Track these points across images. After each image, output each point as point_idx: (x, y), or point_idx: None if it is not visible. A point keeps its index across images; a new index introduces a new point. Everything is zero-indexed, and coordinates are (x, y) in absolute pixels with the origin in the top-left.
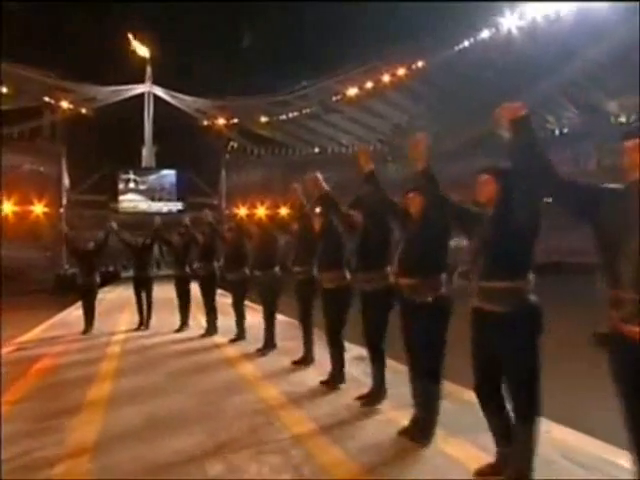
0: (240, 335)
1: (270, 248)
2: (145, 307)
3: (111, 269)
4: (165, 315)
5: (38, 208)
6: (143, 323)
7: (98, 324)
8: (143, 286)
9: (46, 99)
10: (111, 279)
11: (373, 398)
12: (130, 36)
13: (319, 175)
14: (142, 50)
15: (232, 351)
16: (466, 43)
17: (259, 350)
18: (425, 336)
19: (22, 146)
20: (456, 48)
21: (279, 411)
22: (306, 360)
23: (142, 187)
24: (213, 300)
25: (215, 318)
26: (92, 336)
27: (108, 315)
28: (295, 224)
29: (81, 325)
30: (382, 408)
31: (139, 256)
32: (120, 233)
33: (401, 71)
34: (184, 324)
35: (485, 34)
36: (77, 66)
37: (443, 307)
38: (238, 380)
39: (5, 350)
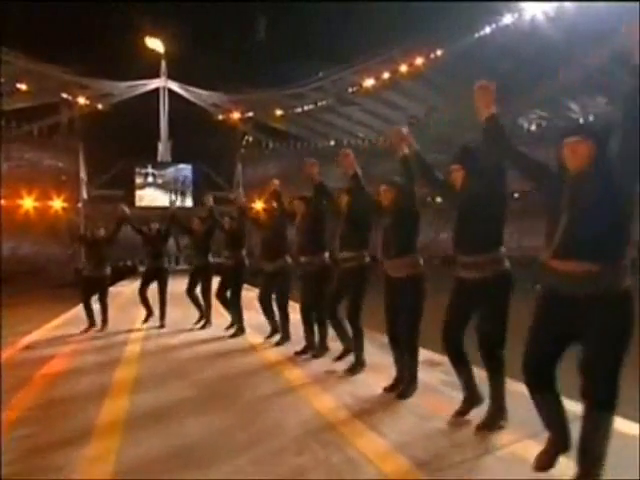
0: (285, 337)
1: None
2: (158, 302)
3: (128, 263)
4: (185, 310)
5: (57, 203)
6: (150, 315)
7: (114, 320)
8: (156, 277)
9: (64, 95)
10: (128, 273)
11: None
12: (145, 31)
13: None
14: (157, 45)
15: (273, 354)
16: (487, 29)
17: (313, 355)
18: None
19: (41, 142)
20: (476, 35)
21: (345, 430)
22: (359, 364)
23: (160, 181)
24: (240, 294)
25: (242, 314)
26: (107, 334)
27: (124, 311)
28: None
29: (99, 321)
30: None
31: (153, 245)
32: (132, 219)
33: (419, 60)
34: (207, 320)
35: (508, 19)
36: (93, 62)
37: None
38: (288, 391)
39: (12, 350)
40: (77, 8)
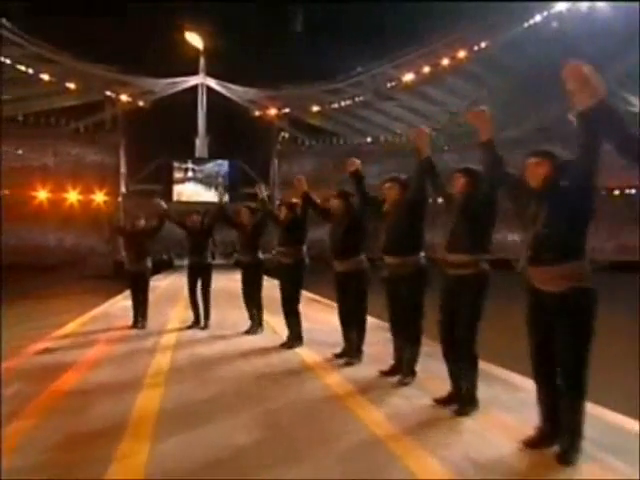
0: (357, 356)
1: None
2: (201, 302)
3: (165, 257)
4: (226, 312)
5: (99, 197)
6: (199, 321)
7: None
8: (199, 275)
9: (108, 93)
10: (164, 267)
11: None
12: (184, 28)
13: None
14: (196, 41)
15: (341, 377)
16: (537, 18)
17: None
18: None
19: (86, 139)
20: (525, 24)
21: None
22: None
23: (199, 176)
24: (299, 299)
25: (300, 322)
26: (135, 337)
27: (158, 308)
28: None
29: (127, 318)
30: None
31: (196, 239)
32: (171, 213)
33: (462, 54)
34: (258, 324)
35: (562, 6)
36: (135, 60)
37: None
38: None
39: (31, 350)
40: (119, 7)
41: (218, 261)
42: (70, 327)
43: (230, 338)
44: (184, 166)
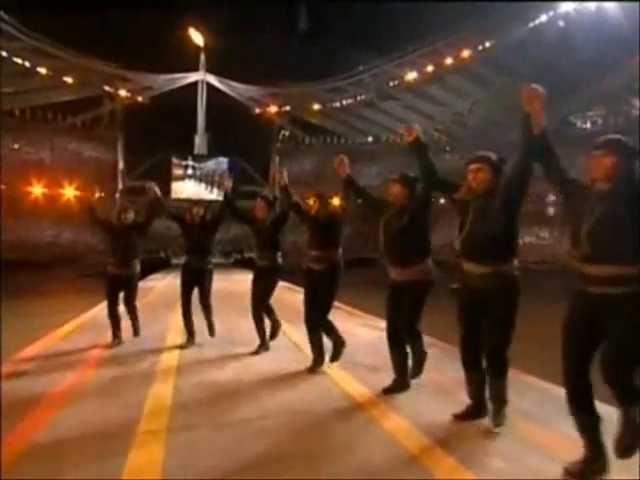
0: (404, 384)
1: None
2: (202, 313)
3: (161, 255)
4: (233, 321)
5: (96, 192)
6: (193, 337)
7: (142, 329)
8: (198, 281)
9: (106, 88)
10: (161, 266)
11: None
12: (185, 24)
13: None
14: (197, 38)
15: (405, 422)
16: (543, 18)
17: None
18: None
19: (84, 134)
20: (531, 24)
21: None
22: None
23: (199, 173)
24: (329, 311)
25: (321, 342)
26: (127, 356)
27: (154, 314)
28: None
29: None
30: None
31: (196, 237)
32: (165, 202)
33: (466, 53)
34: (274, 331)
35: (568, 6)
36: (134, 55)
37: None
38: None
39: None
40: (119, 2)
41: (217, 260)
42: (51, 339)
43: (244, 358)
44: (183, 163)
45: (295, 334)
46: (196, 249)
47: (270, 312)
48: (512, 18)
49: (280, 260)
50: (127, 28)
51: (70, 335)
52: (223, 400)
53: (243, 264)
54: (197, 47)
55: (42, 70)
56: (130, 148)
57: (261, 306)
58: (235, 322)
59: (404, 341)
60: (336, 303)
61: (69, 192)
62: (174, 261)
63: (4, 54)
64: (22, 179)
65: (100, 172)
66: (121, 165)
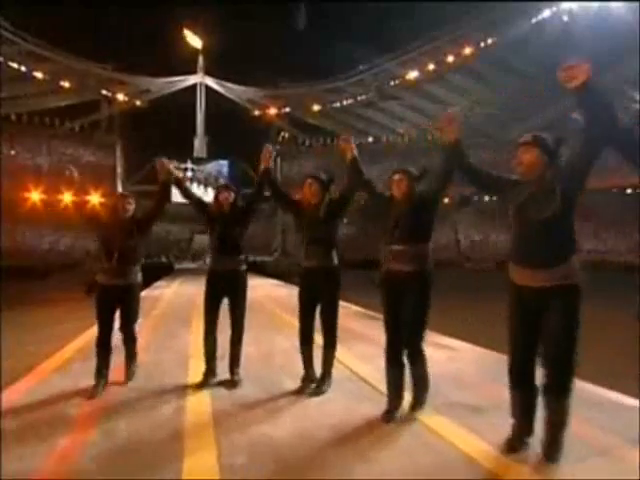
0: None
1: None
2: (231, 334)
3: (163, 259)
4: (264, 337)
5: (94, 198)
6: (213, 370)
7: (149, 360)
8: (230, 289)
9: (104, 92)
10: (164, 272)
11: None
12: (183, 27)
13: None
14: (195, 41)
15: None
16: (546, 13)
17: None
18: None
19: (82, 139)
20: (533, 20)
21: None
22: None
23: (200, 176)
24: (424, 329)
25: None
26: (142, 396)
27: (167, 331)
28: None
29: (119, 360)
30: None
31: (226, 229)
32: (184, 184)
33: (467, 50)
34: (326, 373)
35: (572, 3)
36: (132, 59)
37: None
38: None
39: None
40: (117, 5)
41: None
42: (41, 370)
43: (300, 399)
44: (183, 166)
45: (349, 358)
46: (225, 246)
47: (331, 332)
48: (515, 14)
49: (336, 260)
50: (124, 31)
51: (68, 364)
52: (295, 473)
53: (254, 269)
54: (195, 49)
55: (38, 74)
56: (129, 152)
57: (324, 323)
58: (268, 341)
59: (532, 377)
60: (371, 313)
61: (67, 197)
62: (177, 266)
63: (0, 59)
64: (19, 185)
65: (99, 177)
66: (120, 170)
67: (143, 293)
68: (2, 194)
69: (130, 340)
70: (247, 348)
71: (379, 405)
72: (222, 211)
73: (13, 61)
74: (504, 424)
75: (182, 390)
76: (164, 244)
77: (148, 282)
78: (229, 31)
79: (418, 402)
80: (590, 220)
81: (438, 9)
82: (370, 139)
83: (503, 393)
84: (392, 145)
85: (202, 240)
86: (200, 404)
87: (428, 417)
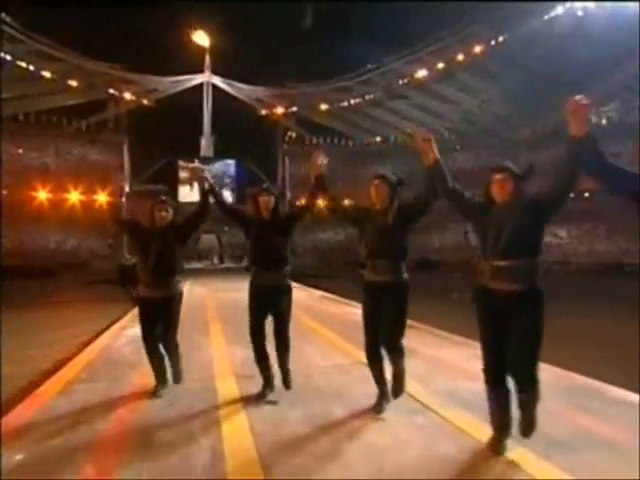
0: None
1: None
2: (278, 350)
3: None
4: (304, 354)
5: (101, 197)
6: (271, 385)
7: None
8: (276, 305)
9: (111, 91)
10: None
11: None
12: (190, 25)
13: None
14: (202, 39)
15: None
16: (559, 10)
17: None
18: None
19: (89, 138)
20: (546, 17)
21: None
22: None
23: (208, 176)
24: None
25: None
26: (167, 421)
27: (186, 343)
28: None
29: (143, 366)
30: None
31: (266, 239)
32: (220, 194)
33: (477, 48)
34: (399, 383)
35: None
36: (139, 58)
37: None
38: None
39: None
40: (123, 4)
41: (228, 264)
42: (50, 388)
43: (360, 429)
44: (190, 166)
45: (421, 391)
46: (267, 257)
47: (397, 354)
48: (526, 10)
49: (405, 274)
50: (131, 30)
51: (76, 382)
52: None
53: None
54: (202, 48)
55: (46, 74)
56: (136, 152)
57: (388, 342)
58: (305, 355)
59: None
60: (412, 322)
61: (74, 197)
62: (185, 266)
63: (8, 58)
64: (26, 184)
65: (106, 176)
66: (127, 169)
67: None
68: (2, 193)
69: (171, 348)
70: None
71: (460, 444)
72: (262, 218)
73: (21, 60)
74: (599, 461)
75: (212, 413)
76: None
77: None
78: (236, 30)
79: None
80: (605, 223)
81: (448, 8)
82: (378, 139)
83: (594, 425)
84: (400, 145)
85: (209, 240)
86: (237, 433)
87: (511, 449)
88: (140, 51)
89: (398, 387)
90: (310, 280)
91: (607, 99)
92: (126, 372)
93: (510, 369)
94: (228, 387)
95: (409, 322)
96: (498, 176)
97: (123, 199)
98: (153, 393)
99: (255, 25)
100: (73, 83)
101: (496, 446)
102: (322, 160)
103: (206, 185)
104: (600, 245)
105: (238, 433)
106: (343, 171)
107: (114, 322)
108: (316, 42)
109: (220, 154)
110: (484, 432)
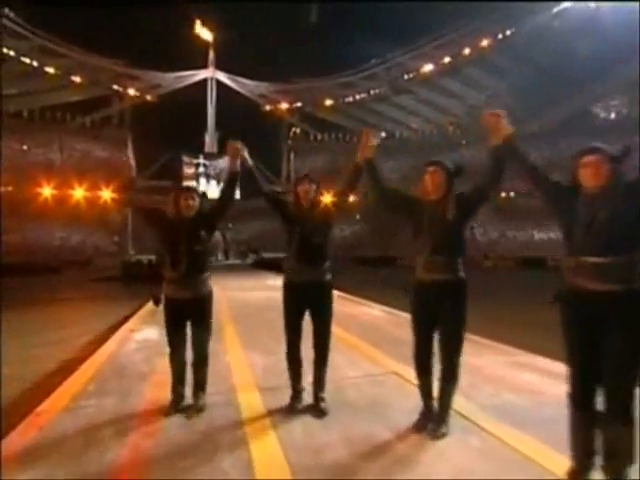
0: None
1: None
2: (316, 354)
3: None
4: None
5: (106, 194)
6: (300, 394)
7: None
8: (317, 304)
9: (115, 87)
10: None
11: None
12: (194, 20)
13: None
14: (206, 34)
15: None
16: (567, 4)
17: None
18: None
19: (93, 134)
20: (554, 10)
21: None
22: None
23: (212, 172)
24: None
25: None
26: (188, 444)
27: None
28: None
29: (157, 376)
30: None
31: (307, 232)
32: (258, 174)
33: (485, 42)
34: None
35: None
36: (143, 53)
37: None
38: None
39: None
40: (127, 2)
41: (234, 261)
42: (55, 404)
43: (411, 444)
44: (195, 161)
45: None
46: (307, 253)
47: (455, 368)
48: (534, 5)
49: (462, 273)
50: (135, 25)
51: (82, 397)
52: None
53: (263, 265)
54: (206, 43)
55: (50, 70)
56: (140, 148)
57: (446, 353)
58: (331, 364)
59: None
60: (504, 347)
61: (78, 193)
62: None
63: (11, 53)
64: (31, 180)
65: (110, 172)
66: (132, 165)
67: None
68: (1, 190)
69: (201, 364)
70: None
71: (530, 474)
72: (302, 209)
73: (25, 56)
74: None
75: (237, 432)
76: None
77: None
78: (240, 25)
79: None
80: None
81: (452, 2)
82: (383, 134)
83: None
84: (405, 140)
85: (213, 235)
86: (276, 474)
87: None
88: (143, 47)
89: (446, 404)
90: None
91: (615, 93)
92: (137, 384)
93: (605, 391)
94: (252, 402)
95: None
96: (590, 158)
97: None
98: (170, 410)
99: (260, 21)
100: (77, 79)
101: None
102: (375, 141)
103: (248, 162)
104: None
105: (271, 461)
106: (348, 167)
107: (119, 322)
108: (321, 37)
109: (224, 150)
110: (554, 460)
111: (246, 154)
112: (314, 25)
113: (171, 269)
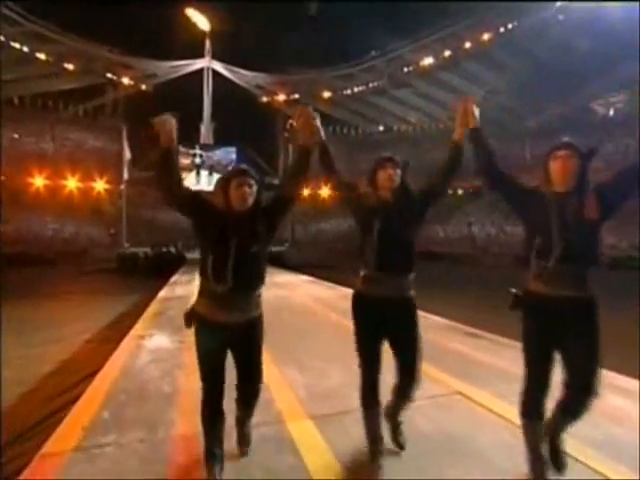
0: None
1: None
2: (400, 382)
3: (171, 249)
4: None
5: (99, 185)
6: (377, 446)
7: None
8: (393, 324)
9: (109, 75)
10: (176, 263)
11: None
12: (190, 9)
13: None
14: (202, 23)
15: None
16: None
17: None
18: None
19: (86, 123)
20: (558, 4)
21: None
22: None
23: (209, 163)
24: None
25: None
26: None
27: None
28: None
29: (185, 411)
30: None
31: (389, 229)
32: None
33: (486, 36)
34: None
35: None
36: (138, 41)
37: None
38: None
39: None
40: None
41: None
42: (65, 443)
43: None
44: (191, 152)
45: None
46: (389, 258)
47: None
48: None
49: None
50: (130, 13)
51: (97, 431)
52: None
53: (271, 261)
54: (202, 32)
55: (42, 56)
56: (134, 137)
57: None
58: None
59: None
60: (493, 337)
61: (71, 184)
62: (189, 256)
63: (1, 38)
64: (22, 170)
65: (104, 162)
66: (126, 155)
67: (162, 293)
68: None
69: (250, 400)
70: (347, 401)
71: None
72: (383, 199)
73: (15, 41)
74: None
75: None
76: (169, 232)
77: (163, 276)
78: (237, 14)
79: None
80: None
81: None
82: (381, 128)
83: None
84: (403, 134)
85: None
86: None
87: None
88: (138, 34)
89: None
90: (316, 271)
91: (615, 90)
92: (163, 410)
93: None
94: (308, 437)
95: (472, 330)
96: (562, 152)
97: (122, 186)
98: (208, 459)
99: (257, 11)
100: (69, 66)
101: None
102: (317, 120)
103: (322, 135)
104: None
105: None
106: (345, 161)
107: (116, 319)
108: (320, 28)
109: (220, 141)
110: None
111: (318, 121)
112: (313, 16)
113: (214, 280)
